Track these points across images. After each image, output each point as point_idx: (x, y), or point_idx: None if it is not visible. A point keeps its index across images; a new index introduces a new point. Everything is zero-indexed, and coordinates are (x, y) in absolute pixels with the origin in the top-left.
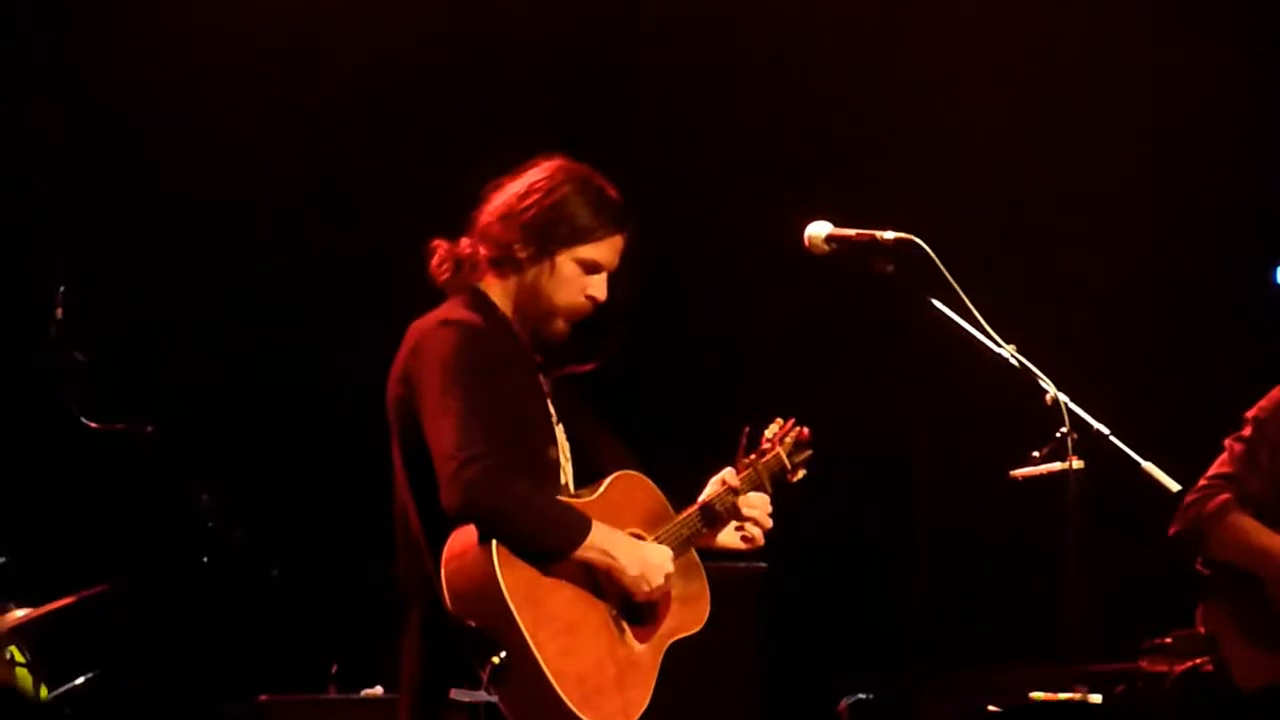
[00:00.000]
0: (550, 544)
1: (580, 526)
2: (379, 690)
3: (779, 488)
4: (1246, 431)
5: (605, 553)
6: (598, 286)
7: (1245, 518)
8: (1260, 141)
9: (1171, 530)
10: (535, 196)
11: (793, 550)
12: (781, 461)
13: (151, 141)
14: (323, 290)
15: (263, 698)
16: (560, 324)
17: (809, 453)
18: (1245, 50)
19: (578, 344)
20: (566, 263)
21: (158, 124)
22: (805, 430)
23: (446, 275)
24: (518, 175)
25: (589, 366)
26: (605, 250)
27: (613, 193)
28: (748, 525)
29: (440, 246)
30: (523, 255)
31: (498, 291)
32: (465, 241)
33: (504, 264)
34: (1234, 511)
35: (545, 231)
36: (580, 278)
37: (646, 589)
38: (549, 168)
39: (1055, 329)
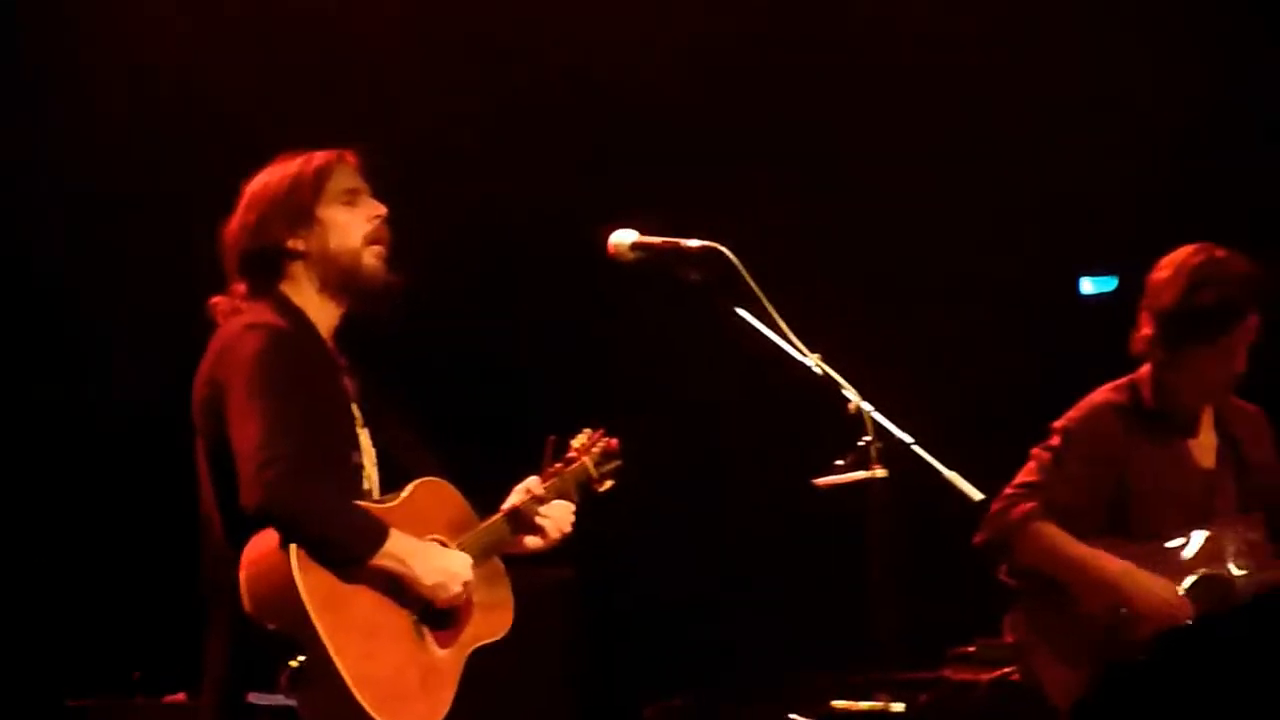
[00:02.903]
0: (345, 551)
1: (376, 534)
2: (182, 696)
3: (586, 497)
4: (1054, 441)
5: (401, 561)
6: (371, 205)
7: (1051, 526)
8: (1067, 148)
9: (977, 539)
10: (260, 198)
11: (601, 556)
12: (587, 471)
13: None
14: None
15: (69, 702)
16: (370, 260)
17: (617, 463)
18: (1053, 54)
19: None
20: (329, 210)
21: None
22: (614, 441)
23: None
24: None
25: (384, 311)
26: (345, 176)
27: (299, 153)
28: (545, 527)
29: (219, 303)
30: (292, 239)
31: (296, 290)
32: (235, 286)
33: (283, 262)
34: (1040, 520)
35: (291, 206)
36: (350, 211)
37: (444, 597)
38: (252, 180)
39: (861, 340)
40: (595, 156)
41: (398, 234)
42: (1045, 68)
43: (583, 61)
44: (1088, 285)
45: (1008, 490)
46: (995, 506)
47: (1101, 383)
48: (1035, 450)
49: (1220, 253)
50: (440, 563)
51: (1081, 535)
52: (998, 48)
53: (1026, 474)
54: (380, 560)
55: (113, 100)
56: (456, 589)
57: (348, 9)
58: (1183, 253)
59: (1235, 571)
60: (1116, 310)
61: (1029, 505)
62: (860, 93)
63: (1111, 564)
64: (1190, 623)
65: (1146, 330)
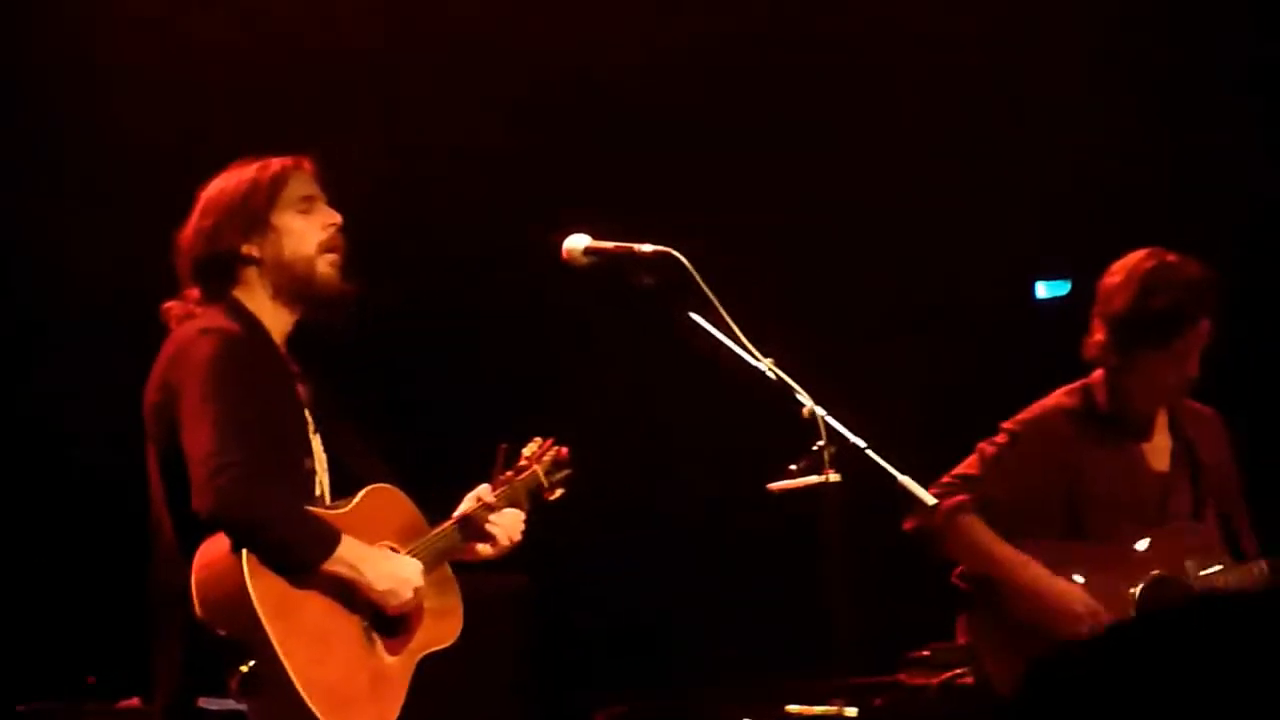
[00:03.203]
0: (298, 557)
1: (329, 540)
2: (136, 701)
3: (538, 504)
4: (1000, 439)
5: (353, 567)
6: (326, 213)
7: (978, 522)
8: (1022, 153)
9: (906, 525)
10: (216, 204)
11: (553, 563)
12: (538, 480)
13: None
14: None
15: (20, 707)
16: (325, 268)
17: (567, 472)
18: (1007, 60)
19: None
20: (284, 217)
21: None
22: (564, 450)
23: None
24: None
25: (338, 319)
26: (303, 184)
27: (256, 159)
28: (495, 535)
29: (172, 308)
30: (246, 244)
31: (250, 296)
32: (189, 290)
33: (238, 268)
34: (968, 513)
35: (246, 212)
36: (305, 219)
37: (395, 603)
38: (208, 186)
39: (814, 343)
40: (560, 162)
41: (358, 240)
42: (998, 73)
43: (544, 62)
44: (1042, 290)
45: (944, 479)
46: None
47: (1056, 386)
48: (981, 445)
49: (1171, 257)
50: (391, 569)
51: (1036, 538)
52: (952, 54)
53: (966, 466)
54: (332, 566)
55: (114, 100)
56: (407, 595)
57: (335, 11)
58: (1134, 257)
59: (1190, 574)
60: (1071, 314)
61: (960, 498)
62: (820, 97)
63: (1024, 572)
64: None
65: (1099, 336)
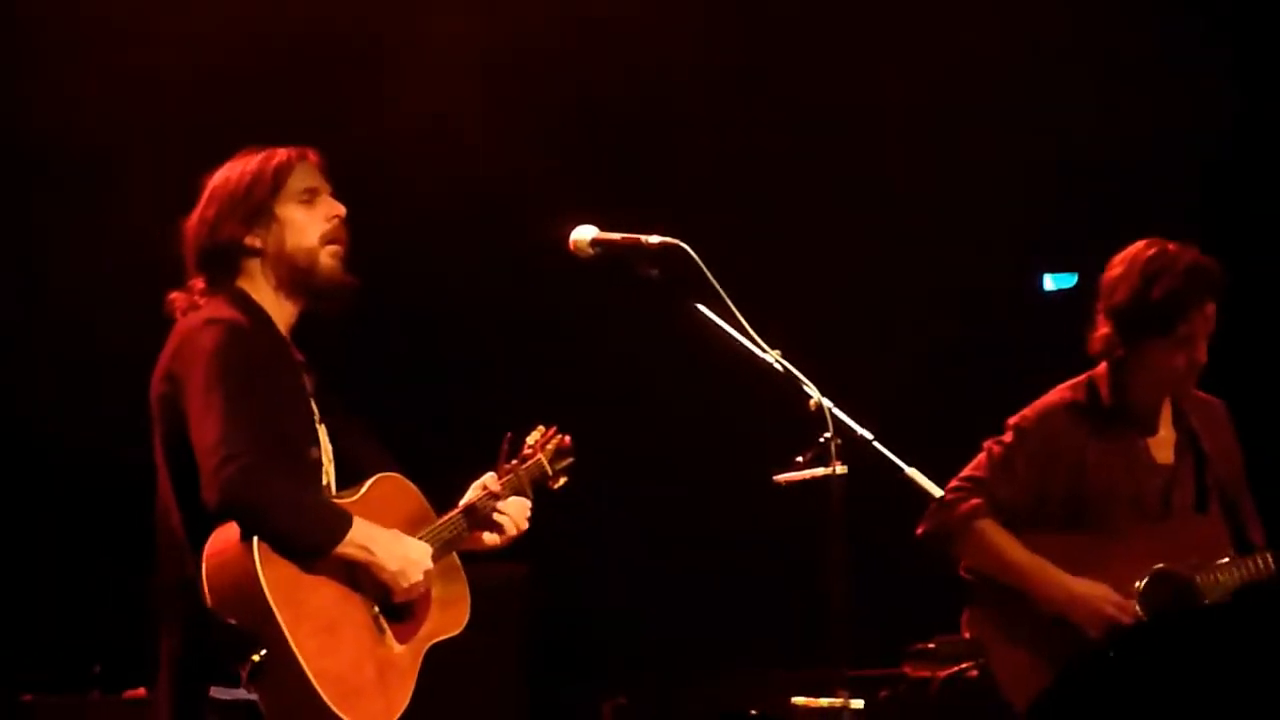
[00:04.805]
0: (310, 541)
1: (340, 523)
2: (142, 691)
3: (541, 493)
4: (1007, 437)
5: (365, 548)
6: (329, 205)
7: (994, 526)
8: (1031, 147)
9: (920, 530)
10: (220, 194)
11: (558, 553)
12: (543, 468)
13: None
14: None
15: (27, 697)
16: (327, 259)
17: (570, 460)
18: (1017, 55)
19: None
20: (287, 209)
21: None
22: (567, 438)
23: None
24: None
25: (339, 310)
26: (307, 176)
27: (262, 149)
28: (502, 524)
29: (177, 298)
30: (249, 236)
31: (254, 286)
32: (194, 281)
33: (241, 258)
34: (983, 518)
35: (249, 203)
36: (308, 210)
37: (406, 585)
38: (213, 175)
39: (821, 334)
40: (567, 153)
41: (363, 227)
42: (1010, 68)
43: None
44: (1049, 282)
45: (954, 483)
46: (941, 499)
47: (1064, 379)
48: (988, 444)
49: (1172, 246)
50: (403, 550)
51: (1037, 532)
52: (964, 44)
53: (974, 468)
54: (344, 548)
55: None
56: (417, 577)
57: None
58: (1134, 248)
59: (1193, 568)
60: (1078, 306)
61: (974, 502)
62: (828, 87)
63: (1044, 575)
64: (1144, 621)
65: (1104, 329)
